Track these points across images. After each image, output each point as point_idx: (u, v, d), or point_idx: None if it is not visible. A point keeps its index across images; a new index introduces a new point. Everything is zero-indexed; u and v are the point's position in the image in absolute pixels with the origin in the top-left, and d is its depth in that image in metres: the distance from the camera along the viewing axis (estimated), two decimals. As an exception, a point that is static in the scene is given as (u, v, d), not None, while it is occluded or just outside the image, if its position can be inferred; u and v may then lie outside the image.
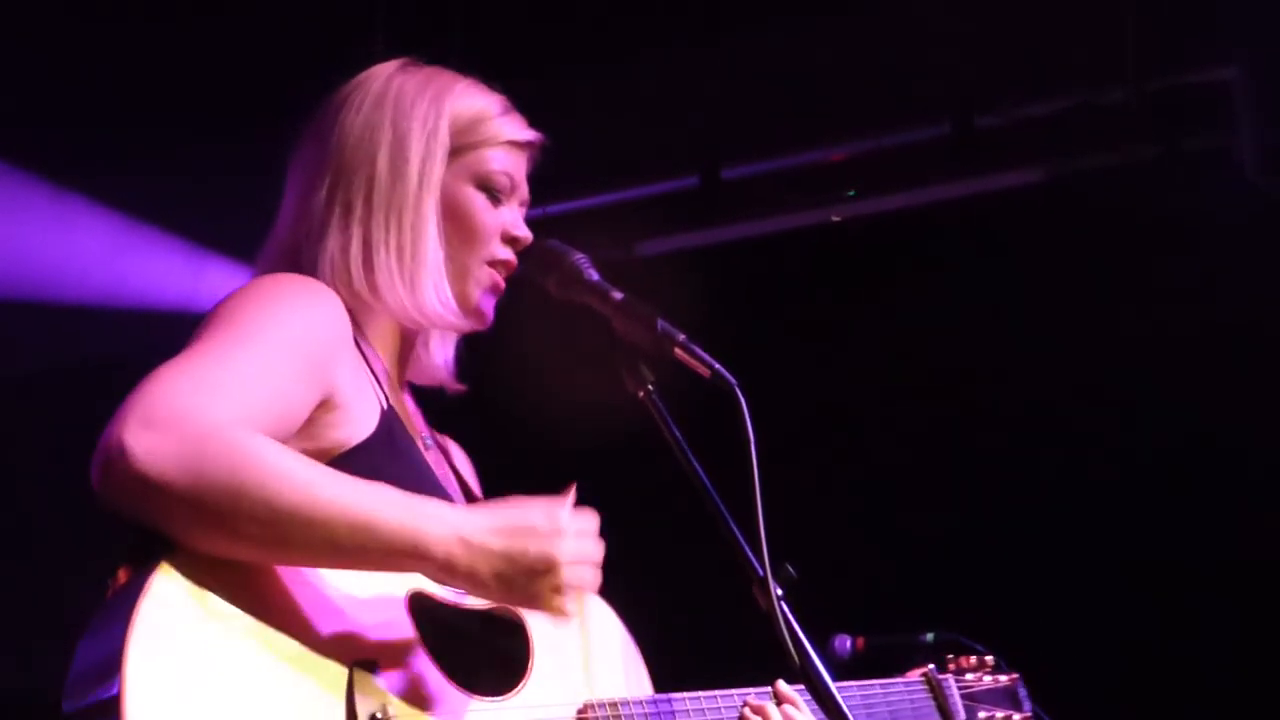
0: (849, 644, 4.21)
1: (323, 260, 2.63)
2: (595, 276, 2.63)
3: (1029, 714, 3.35)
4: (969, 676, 3.28)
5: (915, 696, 3.11)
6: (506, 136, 2.75)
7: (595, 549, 2.41)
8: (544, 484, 2.57)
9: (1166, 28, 5.59)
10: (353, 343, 2.58)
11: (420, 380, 2.87)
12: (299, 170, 2.73)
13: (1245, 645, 5.45)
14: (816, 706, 2.38)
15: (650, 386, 2.51)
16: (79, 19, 5.78)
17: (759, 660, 2.52)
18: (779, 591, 2.34)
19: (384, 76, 2.75)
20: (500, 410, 3.04)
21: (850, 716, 2.34)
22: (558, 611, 2.36)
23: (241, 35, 5.94)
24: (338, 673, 2.29)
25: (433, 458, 2.74)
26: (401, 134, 2.67)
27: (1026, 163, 5.93)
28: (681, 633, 2.88)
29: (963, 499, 5.83)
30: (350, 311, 2.59)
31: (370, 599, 2.37)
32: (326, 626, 2.31)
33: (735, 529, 2.38)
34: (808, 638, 2.34)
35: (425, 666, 2.40)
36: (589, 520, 2.41)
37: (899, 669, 4.09)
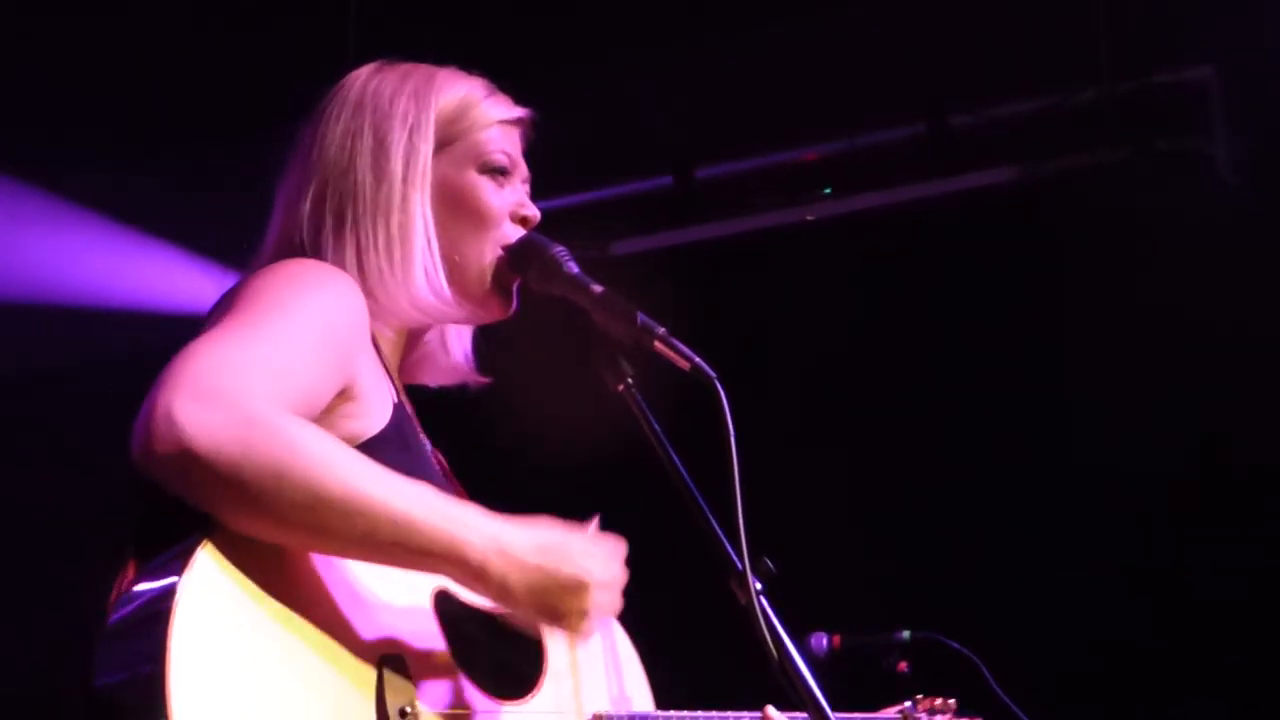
0: (825, 641, 4.21)
1: None
2: (575, 269, 2.62)
3: None
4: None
5: None
6: (497, 116, 2.74)
7: (622, 575, 2.43)
8: (527, 494, 2.59)
9: (1140, 28, 5.61)
10: (369, 335, 2.57)
11: (441, 380, 2.86)
12: (285, 187, 2.72)
13: (1227, 642, 5.46)
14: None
15: (629, 380, 2.50)
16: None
17: (741, 665, 2.51)
18: (758, 586, 2.33)
19: (360, 81, 2.74)
20: (484, 419, 3.02)
21: (830, 713, 2.33)
22: (581, 632, 2.38)
23: (222, 44, 5.96)
24: (368, 666, 2.30)
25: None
26: (382, 135, 2.66)
27: (1000, 162, 5.95)
28: (655, 632, 2.86)
29: (941, 496, 5.83)
30: None
31: (399, 596, 2.37)
32: (358, 622, 2.31)
33: (714, 523, 2.37)
34: (787, 633, 2.33)
35: (448, 667, 2.41)
36: (619, 547, 2.43)
37: (876, 666, 4.11)
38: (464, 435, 3.01)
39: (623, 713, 2.63)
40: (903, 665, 4.16)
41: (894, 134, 6.13)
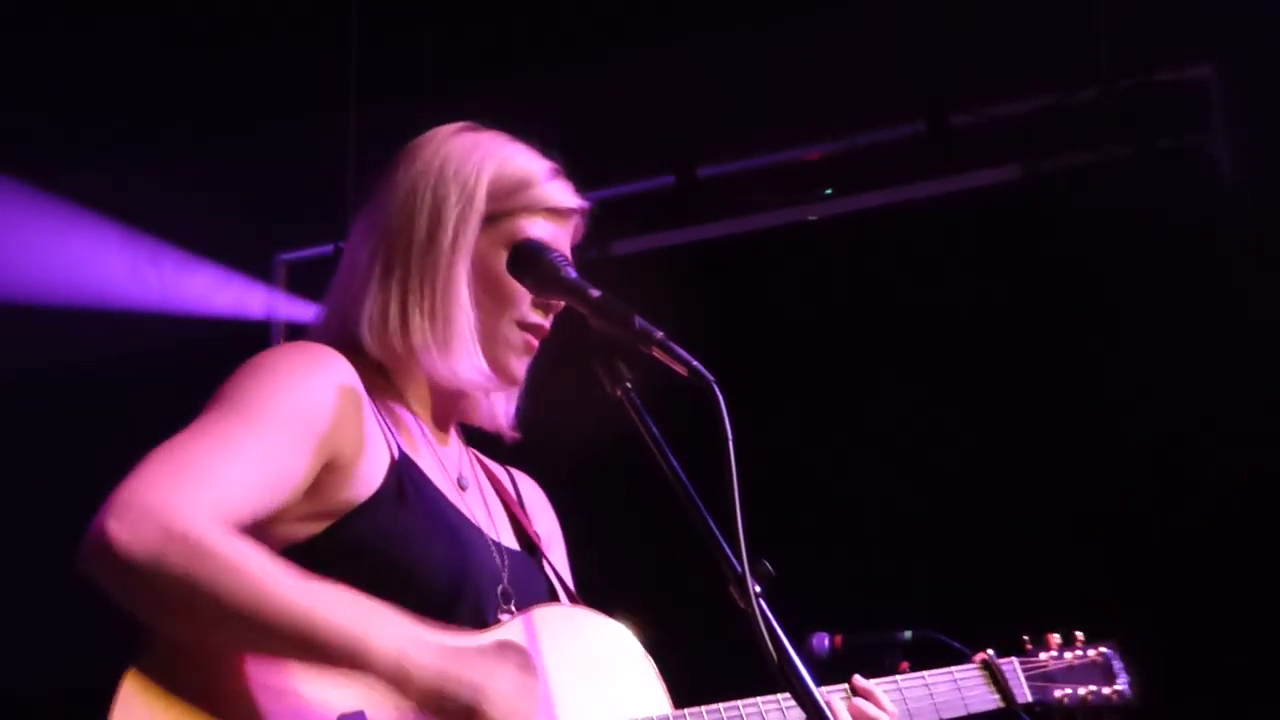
0: (826, 642, 4.21)
1: (363, 318, 2.68)
2: (573, 275, 2.64)
3: (1122, 687, 3.28)
4: (1044, 655, 3.24)
5: (967, 683, 3.09)
6: (545, 204, 2.77)
7: (531, 712, 2.45)
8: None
9: (1140, 27, 5.61)
10: (363, 400, 2.60)
11: (481, 425, 2.89)
12: (356, 229, 2.79)
13: (1229, 643, 5.46)
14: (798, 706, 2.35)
15: (628, 385, 2.50)
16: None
17: (741, 665, 2.51)
18: (757, 589, 2.32)
19: (438, 139, 2.78)
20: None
21: (829, 715, 2.32)
22: None
23: (222, 44, 5.96)
24: None
25: (470, 497, 2.75)
26: (440, 199, 2.70)
27: (1001, 161, 5.96)
28: (662, 634, 2.86)
29: (942, 495, 5.83)
30: (375, 365, 2.66)
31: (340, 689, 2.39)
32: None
33: (713, 526, 2.36)
34: (786, 636, 2.32)
35: None
36: (532, 685, 2.47)
37: (877, 667, 4.09)
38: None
39: None
40: (904, 665, 4.15)
41: (895, 133, 6.13)
